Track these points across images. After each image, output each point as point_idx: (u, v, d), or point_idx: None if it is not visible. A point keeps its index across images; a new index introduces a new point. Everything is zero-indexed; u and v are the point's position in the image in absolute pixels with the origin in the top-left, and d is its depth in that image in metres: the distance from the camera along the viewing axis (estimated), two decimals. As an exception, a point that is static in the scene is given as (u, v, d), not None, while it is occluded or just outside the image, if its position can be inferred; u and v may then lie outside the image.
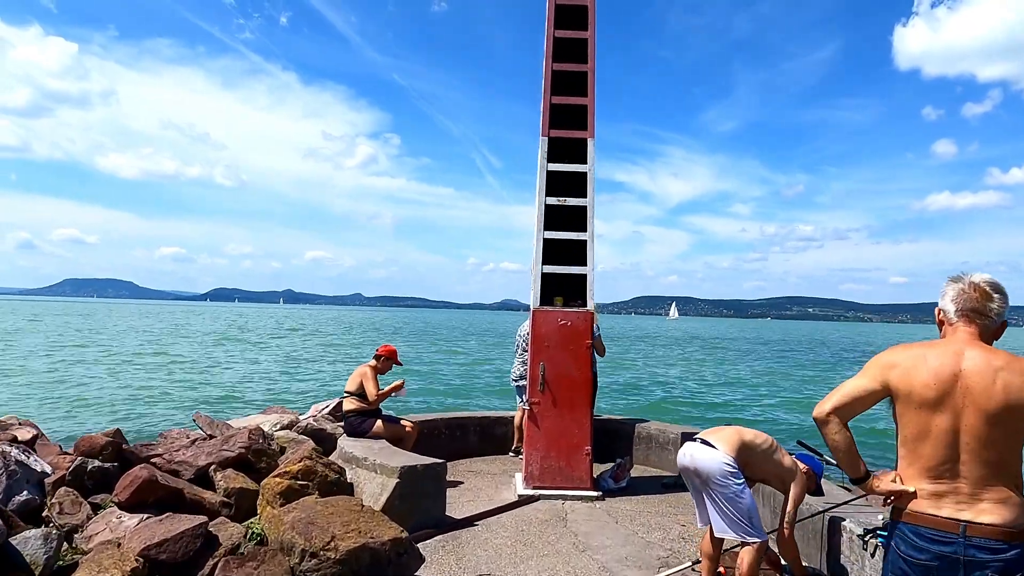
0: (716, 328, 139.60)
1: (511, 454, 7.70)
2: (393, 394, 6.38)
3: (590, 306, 6.25)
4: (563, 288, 6.62)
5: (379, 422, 6.20)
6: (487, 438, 7.83)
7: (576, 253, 6.50)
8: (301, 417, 7.29)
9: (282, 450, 6.13)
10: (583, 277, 6.32)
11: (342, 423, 6.53)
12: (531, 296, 6.31)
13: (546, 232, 6.36)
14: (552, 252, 6.50)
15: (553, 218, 6.49)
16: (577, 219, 6.51)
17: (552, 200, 6.40)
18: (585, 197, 6.40)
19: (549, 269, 6.33)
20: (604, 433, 7.62)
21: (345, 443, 5.94)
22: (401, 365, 6.56)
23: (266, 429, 6.79)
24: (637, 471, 6.95)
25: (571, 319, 6.21)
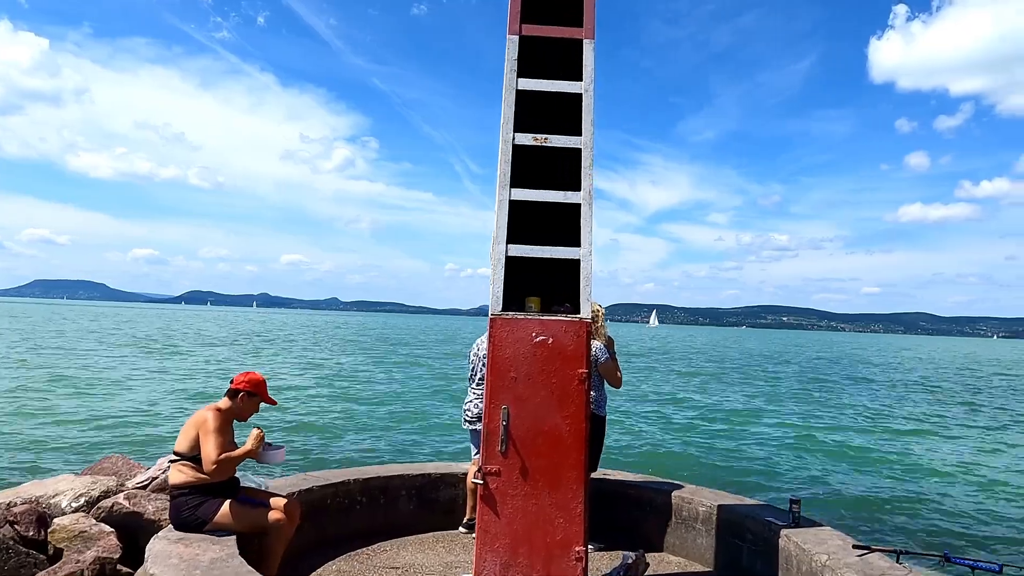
0: (699, 337, 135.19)
1: (462, 530, 5.19)
2: (260, 458, 3.85)
3: (585, 312, 3.78)
4: (542, 283, 4.17)
5: (227, 505, 3.66)
6: (426, 506, 5.31)
7: (563, 227, 4.06)
8: (133, 482, 4.69)
9: (56, 555, 3.56)
10: (575, 264, 3.86)
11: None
12: (490, 294, 3.83)
13: (514, 190, 3.88)
14: (525, 224, 4.05)
15: (527, 169, 4.04)
16: (565, 171, 4.07)
17: (524, 138, 3.93)
18: (579, 135, 3.94)
19: (519, 251, 3.86)
20: (599, 498, 5.16)
21: (157, 549, 3.37)
22: (275, 404, 4.01)
23: (64, 504, 4.20)
24: (654, 565, 4.51)
25: (554, 333, 3.74)
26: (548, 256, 3.87)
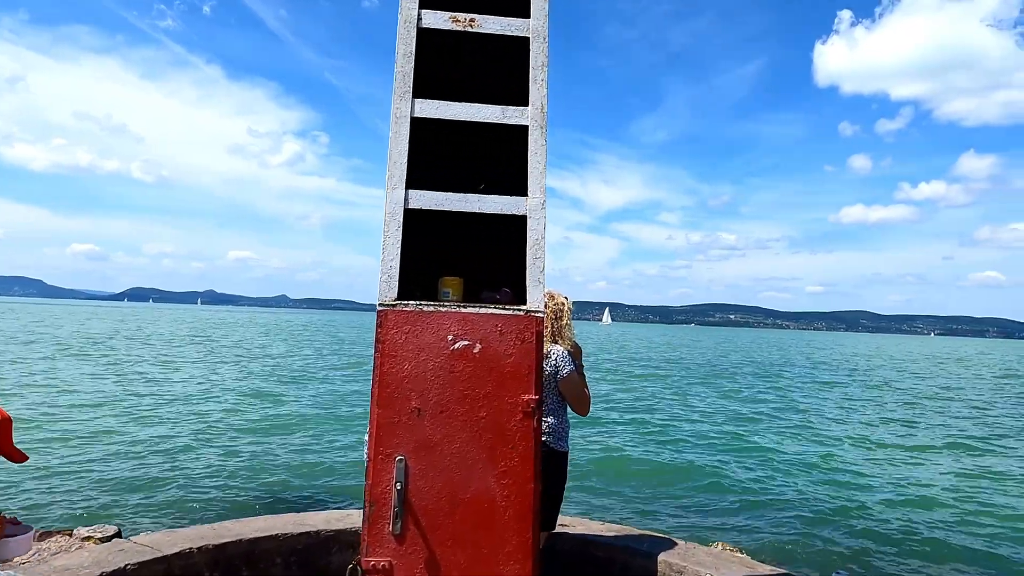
0: (652, 335, 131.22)
1: (363, 610, 3.68)
2: None
3: (535, 299, 2.32)
4: (463, 255, 2.73)
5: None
6: (312, 573, 3.77)
7: (499, 166, 2.61)
8: None
9: None
10: (520, 222, 2.40)
11: None
12: (380, 271, 2.33)
13: (419, 102, 2.39)
14: (434, 159, 2.58)
15: (441, 71, 2.57)
16: (505, 76, 2.61)
17: (437, 19, 2.44)
18: (527, 16, 2.47)
19: (426, 201, 2.37)
20: (553, 562, 3.72)
21: None
22: (23, 460, 2.41)
23: None
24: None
25: (484, 335, 2.27)
26: (475, 211, 2.39)
